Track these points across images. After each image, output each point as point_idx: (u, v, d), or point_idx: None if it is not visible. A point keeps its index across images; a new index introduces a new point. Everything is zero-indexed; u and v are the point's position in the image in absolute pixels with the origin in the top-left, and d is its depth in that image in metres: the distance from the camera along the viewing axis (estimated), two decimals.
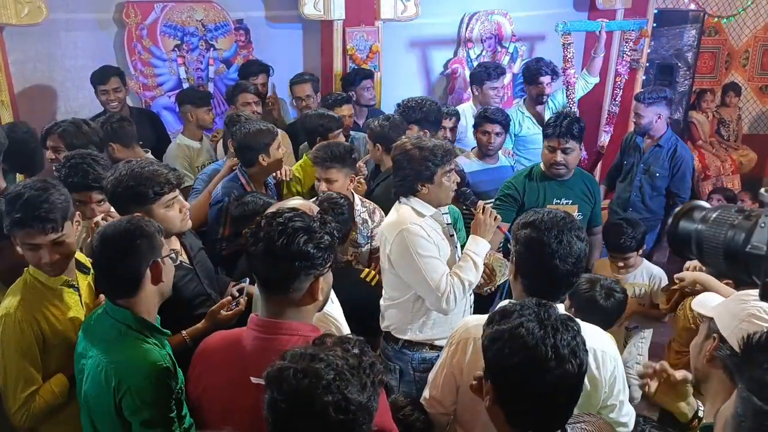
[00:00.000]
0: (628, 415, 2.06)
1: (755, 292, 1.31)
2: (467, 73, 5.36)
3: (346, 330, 2.17)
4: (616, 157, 4.70)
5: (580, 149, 3.34)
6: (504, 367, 1.43)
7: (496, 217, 2.68)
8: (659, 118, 4.27)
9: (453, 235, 2.75)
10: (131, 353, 1.84)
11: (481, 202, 2.74)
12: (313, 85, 4.52)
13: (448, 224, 2.74)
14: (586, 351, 1.44)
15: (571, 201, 3.39)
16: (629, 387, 3.16)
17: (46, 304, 2.11)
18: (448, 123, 4.19)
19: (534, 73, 4.63)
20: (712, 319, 1.60)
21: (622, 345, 3.45)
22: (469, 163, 3.90)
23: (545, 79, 4.60)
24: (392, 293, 2.71)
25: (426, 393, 2.06)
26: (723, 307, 1.59)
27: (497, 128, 3.81)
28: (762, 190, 1.25)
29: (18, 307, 2.05)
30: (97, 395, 1.85)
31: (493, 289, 2.89)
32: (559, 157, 3.27)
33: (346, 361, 1.36)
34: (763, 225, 1.11)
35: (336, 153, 3.13)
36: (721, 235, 1.19)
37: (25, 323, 2.04)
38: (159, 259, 1.93)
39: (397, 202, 2.68)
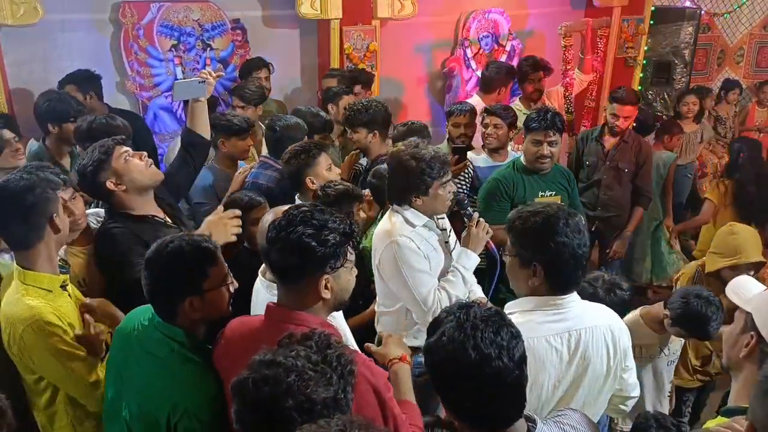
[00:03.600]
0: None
1: None
2: (465, 71, 5.36)
3: (350, 340, 2.15)
4: (572, 156, 4.59)
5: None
6: (438, 376, 1.41)
7: (488, 231, 2.63)
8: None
9: (448, 241, 2.66)
10: (187, 375, 1.80)
11: (475, 215, 2.66)
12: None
13: (443, 230, 2.66)
14: (518, 341, 1.38)
15: (554, 192, 3.42)
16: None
17: (53, 305, 2.06)
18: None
19: (525, 70, 4.68)
20: (749, 312, 1.51)
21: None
22: (476, 158, 3.90)
23: (536, 75, 4.62)
24: (384, 301, 2.67)
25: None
26: (762, 303, 1.50)
27: (495, 120, 3.77)
28: None
29: (37, 311, 2.00)
30: (147, 413, 1.78)
31: None
32: (546, 149, 3.28)
33: (308, 359, 1.33)
34: None
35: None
36: None
37: (49, 326, 2.00)
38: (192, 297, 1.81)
39: (391, 208, 2.61)
